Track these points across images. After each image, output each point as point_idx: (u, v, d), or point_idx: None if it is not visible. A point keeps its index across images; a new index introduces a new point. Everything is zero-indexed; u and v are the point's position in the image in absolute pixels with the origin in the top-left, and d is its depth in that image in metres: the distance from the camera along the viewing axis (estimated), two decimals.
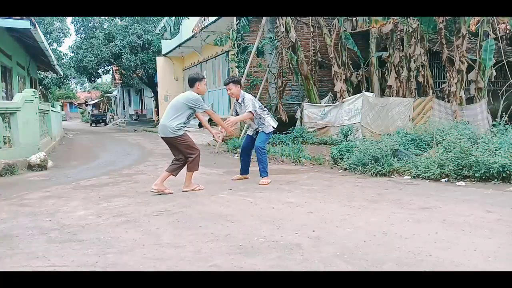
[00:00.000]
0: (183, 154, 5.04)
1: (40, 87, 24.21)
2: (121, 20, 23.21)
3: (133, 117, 33.66)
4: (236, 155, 8.74)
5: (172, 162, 5.13)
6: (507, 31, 11.28)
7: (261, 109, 5.61)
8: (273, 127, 5.64)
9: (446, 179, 5.32)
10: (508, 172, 4.99)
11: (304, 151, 7.82)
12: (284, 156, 7.73)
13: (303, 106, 10.73)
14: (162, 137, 5.06)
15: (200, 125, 15.30)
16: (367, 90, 10.95)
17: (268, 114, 5.71)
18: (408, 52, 9.94)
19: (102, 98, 49.15)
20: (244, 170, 5.90)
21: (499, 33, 10.25)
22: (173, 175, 5.05)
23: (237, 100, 5.63)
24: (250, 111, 5.40)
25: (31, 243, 3.25)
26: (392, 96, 10.04)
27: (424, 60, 9.84)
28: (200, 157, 5.12)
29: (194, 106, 4.95)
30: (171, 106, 5.04)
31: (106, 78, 42.38)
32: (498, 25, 10.26)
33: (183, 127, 4.96)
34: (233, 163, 7.80)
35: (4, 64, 11.86)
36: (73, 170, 7.54)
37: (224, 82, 5.86)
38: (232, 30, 10.87)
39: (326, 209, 4.08)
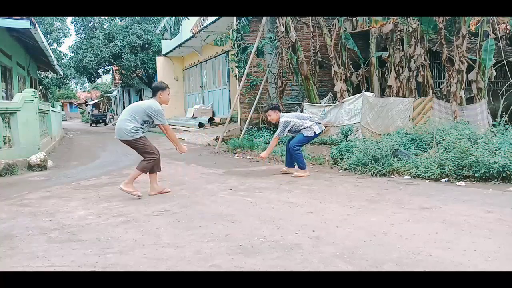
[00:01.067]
0: (141, 156, 4.86)
1: (40, 87, 24.23)
2: (121, 20, 23.22)
3: None
4: (236, 155, 8.74)
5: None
6: (507, 31, 11.28)
7: (303, 119, 6.15)
8: (314, 132, 6.05)
9: (446, 179, 5.32)
10: (508, 172, 4.99)
11: (304, 151, 7.81)
12: (284, 156, 7.71)
13: (303, 106, 10.73)
14: (120, 140, 4.83)
15: (200, 125, 15.30)
16: (367, 90, 10.95)
17: (312, 121, 6.16)
18: (408, 52, 9.94)
19: (102, 98, 49.12)
20: (289, 163, 6.35)
21: (499, 33, 10.25)
22: (157, 172, 4.95)
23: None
24: (275, 136, 6.20)
25: (31, 243, 3.25)
26: (392, 96, 10.03)
27: (424, 60, 9.83)
28: (161, 160, 4.99)
29: (153, 116, 4.73)
30: (129, 108, 4.90)
31: (106, 78, 42.43)
32: (498, 25, 10.26)
33: (141, 130, 4.76)
34: (233, 163, 7.80)
35: (4, 64, 11.86)
36: (73, 170, 7.54)
37: (264, 109, 6.62)
38: (232, 30, 10.86)
39: (326, 209, 4.08)
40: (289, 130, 6.11)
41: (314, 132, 6.06)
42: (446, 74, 9.76)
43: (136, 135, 4.72)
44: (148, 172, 4.89)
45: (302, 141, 6.14)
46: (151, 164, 4.82)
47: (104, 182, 5.99)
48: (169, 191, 5.03)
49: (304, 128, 6.06)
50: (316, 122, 6.16)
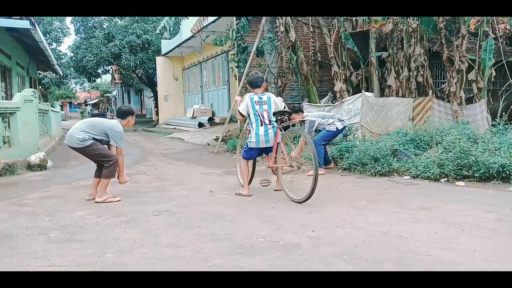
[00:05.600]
0: (98, 163, 4.74)
1: (40, 87, 24.20)
2: (120, 20, 23.18)
3: None
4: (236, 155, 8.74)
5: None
6: (507, 31, 11.28)
7: (325, 118, 6.25)
8: (337, 128, 6.13)
9: (446, 179, 5.33)
10: (507, 172, 4.99)
11: (303, 151, 7.80)
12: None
13: (302, 106, 10.72)
14: (69, 147, 4.67)
15: (200, 125, 15.29)
16: (367, 90, 10.94)
17: (334, 119, 6.25)
18: (408, 52, 9.93)
19: (101, 98, 49.13)
20: (325, 161, 6.34)
21: (499, 33, 10.25)
22: (104, 178, 4.66)
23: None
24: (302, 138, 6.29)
25: (31, 243, 3.25)
26: (392, 96, 10.03)
27: (424, 60, 9.83)
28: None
29: (112, 137, 4.61)
30: (91, 121, 4.78)
31: (106, 78, 42.40)
32: (498, 25, 10.25)
33: (90, 138, 4.57)
34: (232, 163, 7.79)
35: (4, 64, 11.86)
36: (72, 170, 7.54)
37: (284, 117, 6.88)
38: (232, 30, 10.85)
39: (325, 209, 4.08)
40: (314, 130, 6.21)
41: (337, 128, 6.12)
42: (446, 74, 9.75)
43: (87, 142, 4.54)
44: (102, 177, 4.64)
45: (326, 136, 6.17)
46: (114, 166, 4.64)
47: None
48: (118, 200, 4.68)
49: (328, 125, 6.17)
50: (338, 119, 6.27)
